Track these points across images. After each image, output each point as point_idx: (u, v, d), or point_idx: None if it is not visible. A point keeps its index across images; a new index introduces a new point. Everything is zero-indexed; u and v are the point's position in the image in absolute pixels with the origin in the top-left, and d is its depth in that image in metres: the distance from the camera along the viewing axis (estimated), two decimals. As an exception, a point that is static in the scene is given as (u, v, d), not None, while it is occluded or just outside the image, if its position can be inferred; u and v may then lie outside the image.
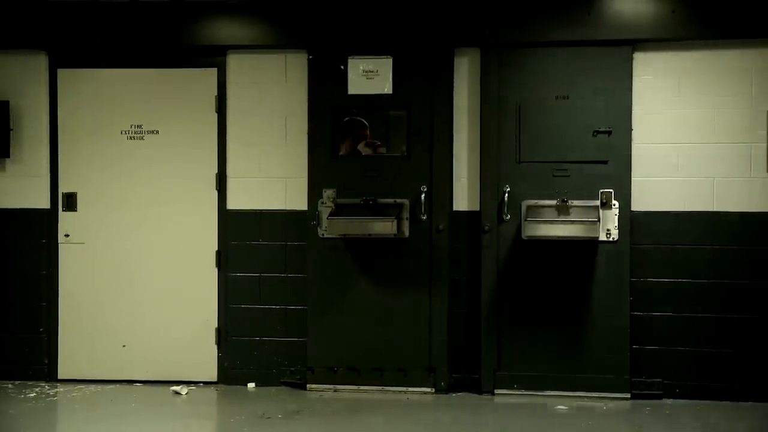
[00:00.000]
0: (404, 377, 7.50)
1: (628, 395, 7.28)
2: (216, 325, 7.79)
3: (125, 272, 7.82)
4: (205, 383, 7.77)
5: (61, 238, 7.87)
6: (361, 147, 7.60)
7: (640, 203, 7.32)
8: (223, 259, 7.77)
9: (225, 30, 7.65)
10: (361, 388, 7.53)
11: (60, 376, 7.87)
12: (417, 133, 7.48)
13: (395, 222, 7.35)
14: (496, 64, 7.39)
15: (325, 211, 7.52)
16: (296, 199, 7.66)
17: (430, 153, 7.46)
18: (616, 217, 7.27)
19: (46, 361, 7.88)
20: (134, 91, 7.81)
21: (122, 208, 7.81)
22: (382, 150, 7.62)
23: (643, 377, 7.32)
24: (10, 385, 7.72)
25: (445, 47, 7.47)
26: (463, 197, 7.54)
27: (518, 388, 7.40)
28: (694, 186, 7.30)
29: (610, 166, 7.28)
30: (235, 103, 7.73)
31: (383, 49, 7.50)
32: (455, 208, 7.52)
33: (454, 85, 7.50)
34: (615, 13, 7.26)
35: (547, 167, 7.35)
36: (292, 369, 7.68)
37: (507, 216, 7.37)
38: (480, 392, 7.45)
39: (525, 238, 7.32)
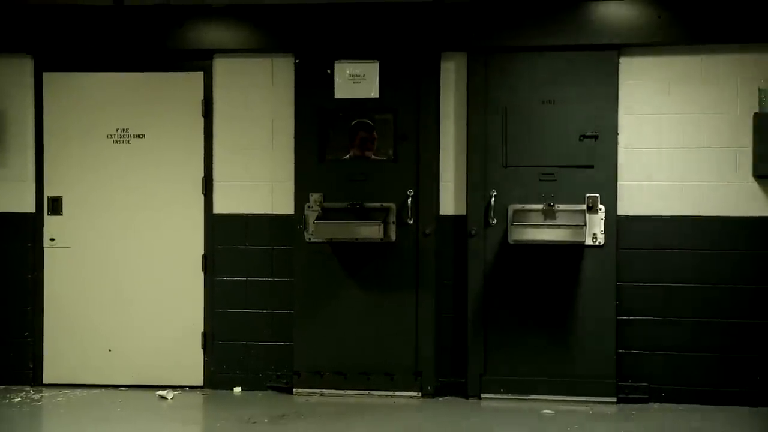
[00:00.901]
0: (391, 381, 7.50)
1: (614, 399, 7.29)
2: (202, 330, 7.77)
3: (111, 276, 7.79)
4: (191, 388, 7.75)
5: (46, 242, 7.84)
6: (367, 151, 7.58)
7: (626, 208, 7.34)
8: (209, 263, 7.75)
9: (211, 34, 7.64)
10: (348, 392, 7.52)
11: (45, 380, 7.84)
12: (404, 137, 7.49)
13: (382, 226, 7.35)
14: (483, 69, 7.40)
15: (311, 215, 7.51)
16: (283, 203, 7.65)
17: (416, 157, 7.47)
18: (602, 221, 7.29)
19: (31, 366, 7.84)
20: (120, 95, 7.79)
21: (108, 212, 7.79)
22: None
23: (629, 381, 7.33)
24: (-6, 390, 7.71)
25: (432, 52, 7.48)
26: (450, 201, 7.54)
27: (505, 393, 7.40)
28: (680, 190, 7.32)
29: (597, 170, 7.29)
30: (221, 107, 7.72)
31: (370, 53, 7.50)
32: (442, 212, 7.53)
33: (441, 89, 7.51)
34: (601, 18, 7.28)
35: (534, 171, 7.37)
36: (279, 373, 7.67)
37: (493, 220, 7.38)
38: (466, 396, 7.45)
39: (511, 243, 7.32)
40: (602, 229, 7.29)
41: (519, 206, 7.36)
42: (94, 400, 7.45)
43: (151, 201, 7.77)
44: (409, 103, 7.46)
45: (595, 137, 7.29)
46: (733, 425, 6.80)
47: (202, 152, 7.74)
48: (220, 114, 7.72)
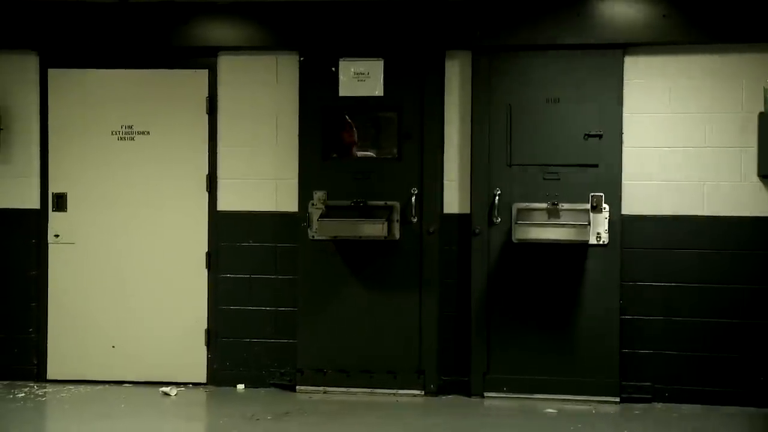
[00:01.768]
0: (394, 379, 7.50)
1: (618, 399, 7.28)
2: (206, 326, 7.78)
3: (115, 273, 7.81)
4: (195, 384, 7.76)
5: (50, 238, 7.86)
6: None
7: (630, 207, 7.32)
8: (213, 260, 7.76)
9: (216, 31, 7.64)
10: (351, 390, 7.53)
11: (49, 376, 7.86)
12: (408, 135, 7.48)
13: (386, 224, 7.35)
14: (487, 67, 7.39)
15: (315, 212, 7.51)
16: (287, 201, 7.65)
17: (420, 155, 7.46)
18: (606, 220, 7.28)
19: (35, 362, 7.86)
20: (125, 92, 7.80)
21: (112, 208, 7.80)
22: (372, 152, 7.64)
23: (633, 381, 7.32)
24: (-2, 386, 7.73)
25: (436, 50, 7.47)
26: (454, 200, 7.54)
27: (508, 392, 7.40)
28: (684, 190, 7.31)
29: (601, 169, 7.28)
30: (226, 105, 7.72)
31: (374, 51, 7.49)
32: (446, 210, 7.52)
33: (445, 87, 7.50)
34: (606, 17, 7.27)
35: (538, 170, 7.36)
36: (282, 371, 7.68)
37: (497, 219, 7.38)
38: (469, 395, 7.45)
39: (515, 241, 7.32)
40: (606, 228, 7.28)
41: (523, 205, 7.35)
42: (97, 396, 7.47)
43: (155, 198, 7.78)
44: (413, 101, 7.46)
45: (600, 136, 7.28)
46: (737, 426, 6.79)
47: (207, 149, 7.75)
48: (225, 111, 7.73)
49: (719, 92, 7.28)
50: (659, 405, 7.26)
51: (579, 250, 7.29)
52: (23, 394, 7.48)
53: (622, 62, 7.30)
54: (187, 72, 7.76)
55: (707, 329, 7.27)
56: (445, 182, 7.52)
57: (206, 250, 7.77)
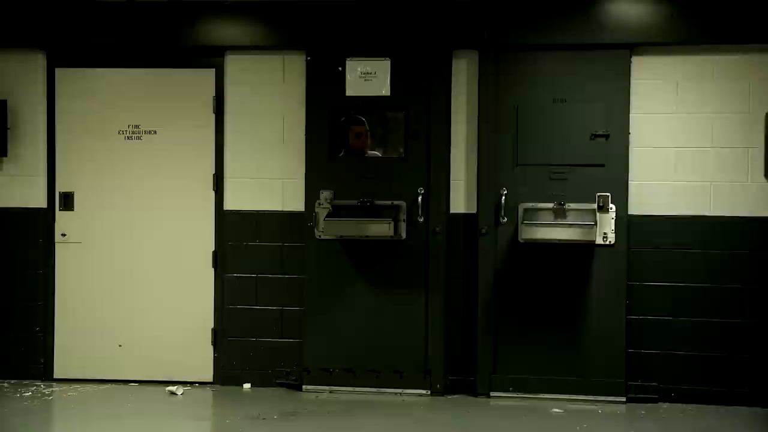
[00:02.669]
0: (400, 379, 7.50)
1: (624, 399, 7.28)
2: (212, 326, 7.79)
3: (122, 272, 7.82)
4: (201, 383, 7.77)
5: (57, 237, 7.87)
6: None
7: (637, 207, 7.32)
8: (219, 260, 7.77)
9: (223, 31, 7.65)
10: (357, 389, 7.53)
11: (56, 375, 7.87)
12: (414, 135, 7.48)
13: (392, 224, 7.35)
14: (494, 67, 7.39)
15: (322, 212, 7.52)
16: (293, 200, 7.66)
17: (427, 155, 7.47)
18: (613, 220, 7.27)
19: (42, 361, 7.87)
20: (132, 92, 7.81)
21: (119, 208, 7.81)
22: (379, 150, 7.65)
23: (639, 381, 7.32)
24: (5, 384, 7.72)
25: (443, 49, 7.48)
26: (461, 200, 7.54)
27: (514, 391, 7.40)
28: (691, 190, 7.31)
29: (608, 169, 7.28)
30: (232, 104, 7.73)
31: (381, 50, 7.50)
32: (452, 210, 7.52)
33: (452, 87, 7.50)
34: (613, 16, 7.27)
35: (545, 170, 7.36)
36: (288, 370, 7.68)
37: (504, 219, 7.37)
38: (476, 395, 7.45)
39: (522, 241, 7.32)
40: (613, 228, 7.27)
41: (530, 205, 7.35)
42: (104, 395, 7.48)
43: (162, 197, 7.79)
44: (420, 101, 7.46)
45: (607, 136, 7.28)
46: (743, 426, 6.79)
47: (213, 149, 7.76)
48: (232, 111, 7.73)
49: (726, 92, 7.27)
50: (666, 405, 7.26)
51: (585, 250, 7.29)
52: (30, 393, 7.49)
53: (629, 62, 7.29)
54: (194, 71, 7.77)
55: (714, 329, 7.26)
56: (451, 182, 7.52)
57: (213, 249, 7.78)
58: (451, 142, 7.52)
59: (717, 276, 7.27)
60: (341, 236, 7.49)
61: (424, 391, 7.48)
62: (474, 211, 7.47)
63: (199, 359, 7.78)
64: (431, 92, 7.45)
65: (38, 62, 7.85)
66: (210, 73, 7.75)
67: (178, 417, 6.97)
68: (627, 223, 7.28)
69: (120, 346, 7.83)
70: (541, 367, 7.36)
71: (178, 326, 7.78)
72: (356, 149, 7.59)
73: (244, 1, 7.59)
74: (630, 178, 7.30)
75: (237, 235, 7.72)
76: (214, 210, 7.76)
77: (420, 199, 7.40)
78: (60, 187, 7.87)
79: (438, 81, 7.45)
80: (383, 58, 7.51)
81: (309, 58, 7.59)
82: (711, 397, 7.25)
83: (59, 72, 7.85)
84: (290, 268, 7.67)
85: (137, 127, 7.82)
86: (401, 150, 7.55)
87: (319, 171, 7.56)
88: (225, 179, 7.74)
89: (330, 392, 7.54)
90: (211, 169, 7.76)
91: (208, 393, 7.62)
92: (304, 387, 7.60)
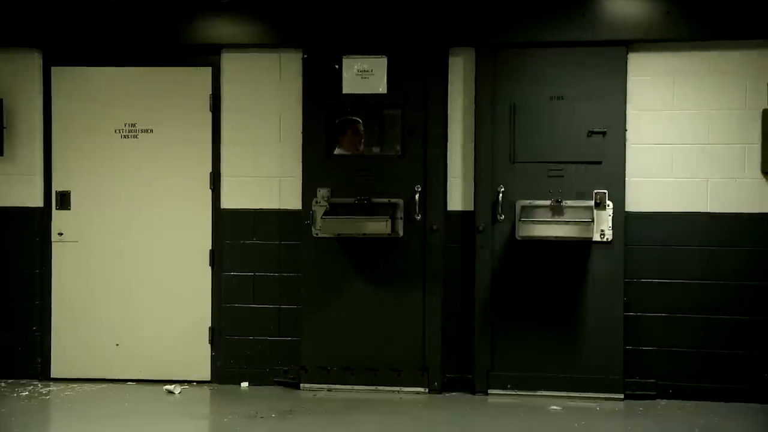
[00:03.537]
0: (398, 377, 7.50)
1: (622, 396, 7.29)
2: (209, 324, 7.78)
3: (119, 271, 7.81)
4: (199, 382, 7.76)
5: (54, 236, 7.86)
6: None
7: (634, 204, 7.33)
8: (216, 258, 7.76)
9: (219, 29, 7.64)
10: (355, 387, 7.53)
11: (53, 374, 7.86)
12: (411, 132, 7.48)
13: (389, 222, 7.34)
14: (491, 64, 7.39)
15: (319, 210, 7.51)
16: (290, 199, 7.65)
17: (424, 153, 7.46)
18: (610, 217, 7.28)
19: (39, 360, 7.86)
20: (128, 90, 7.80)
21: (116, 206, 7.80)
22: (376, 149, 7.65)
23: (637, 378, 7.33)
24: (2, 384, 7.71)
25: (440, 47, 7.47)
26: (458, 197, 7.53)
27: (512, 389, 7.40)
28: (688, 187, 7.31)
29: (605, 166, 7.28)
30: (229, 102, 7.72)
31: (378, 48, 7.49)
32: (449, 207, 7.52)
33: (449, 84, 7.50)
34: (609, 13, 7.27)
35: (542, 167, 7.35)
36: (286, 368, 7.68)
37: (501, 216, 7.37)
38: (473, 392, 7.45)
39: (519, 239, 7.32)
40: (610, 225, 7.28)
41: (527, 202, 7.35)
42: (101, 395, 7.47)
43: (158, 196, 7.78)
44: (417, 98, 7.45)
45: (604, 133, 7.28)
46: (741, 422, 6.80)
47: (210, 147, 7.75)
48: (228, 109, 7.73)
49: (723, 89, 7.28)
50: (663, 402, 7.26)
51: (583, 247, 7.29)
52: (27, 393, 7.48)
53: (626, 59, 7.30)
54: (191, 69, 7.76)
55: (711, 326, 7.27)
56: (448, 179, 7.51)
57: (210, 248, 7.78)
58: (448, 140, 7.51)
59: (714, 272, 7.28)
60: (338, 234, 7.48)
61: (421, 389, 7.48)
62: (471, 208, 7.47)
63: (196, 358, 7.77)
64: (428, 90, 7.45)
65: (34, 61, 7.84)
66: (206, 72, 7.74)
67: (176, 416, 6.97)
68: (624, 220, 7.29)
69: (117, 345, 7.82)
70: (539, 364, 7.36)
71: (175, 325, 7.78)
72: (352, 149, 7.59)
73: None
74: (627, 175, 7.30)
75: (234, 234, 7.72)
76: (211, 208, 7.76)
77: (417, 196, 7.40)
78: (56, 186, 7.86)
79: (435, 78, 7.45)
80: (380, 56, 7.50)
81: (306, 56, 7.58)
82: (709, 394, 7.26)
83: (55, 71, 7.84)
84: (287, 266, 7.67)
85: (134, 125, 7.81)
86: (398, 148, 7.55)
87: (316, 169, 7.55)
88: (222, 177, 7.73)
89: (328, 390, 7.54)
90: (208, 168, 7.76)
91: (205, 392, 7.61)
92: (301, 385, 7.59)
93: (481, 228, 7.42)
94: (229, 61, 7.72)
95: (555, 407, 7.09)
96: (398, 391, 7.49)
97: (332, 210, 7.45)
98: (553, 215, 7.28)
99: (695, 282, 7.29)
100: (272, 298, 7.70)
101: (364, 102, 7.54)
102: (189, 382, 7.75)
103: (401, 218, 7.45)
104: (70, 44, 7.78)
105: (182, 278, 7.78)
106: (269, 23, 7.60)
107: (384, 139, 7.66)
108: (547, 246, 7.31)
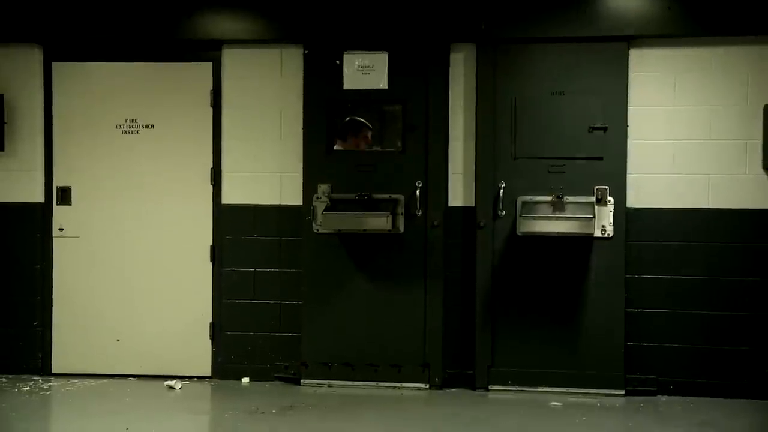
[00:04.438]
0: (398, 373, 7.50)
1: (623, 392, 7.28)
2: (210, 320, 7.78)
3: (119, 266, 7.81)
4: (199, 378, 7.77)
5: (55, 232, 7.86)
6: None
7: (635, 200, 7.32)
8: (217, 254, 7.76)
9: (220, 24, 7.64)
10: (355, 383, 7.53)
11: (54, 370, 7.86)
12: (412, 128, 7.47)
13: (390, 217, 7.34)
14: (492, 60, 7.38)
15: (320, 206, 7.51)
16: (291, 194, 7.65)
17: (425, 148, 7.46)
18: (611, 213, 7.27)
19: (40, 355, 7.87)
20: (129, 85, 7.80)
21: (117, 202, 7.80)
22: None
23: (638, 374, 7.32)
24: (3, 379, 7.71)
25: (441, 42, 7.47)
26: (459, 193, 7.53)
27: (512, 385, 7.40)
28: (689, 183, 7.30)
29: (606, 162, 7.28)
30: (230, 98, 7.72)
31: (379, 44, 7.49)
32: (450, 203, 7.52)
33: (450, 80, 7.49)
34: (610, 9, 7.26)
35: (543, 163, 7.35)
36: (286, 364, 7.68)
37: (502, 212, 7.37)
38: (474, 388, 7.45)
39: (520, 234, 7.31)
40: (611, 221, 7.27)
41: (528, 198, 7.34)
42: (102, 390, 7.47)
43: (159, 191, 7.78)
44: (417, 94, 7.45)
45: (605, 129, 7.27)
46: (742, 418, 6.79)
47: (211, 143, 7.75)
48: (229, 105, 7.72)
49: (724, 85, 7.27)
50: (664, 398, 7.26)
51: (584, 243, 7.28)
52: (28, 388, 7.48)
53: (627, 55, 7.29)
54: (192, 65, 7.76)
55: (712, 322, 7.27)
56: (449, 175, 7.51)
57: (211, 243, 7.77)
58: (449, 136, 7.51)
59: (715, 268, 7.27)
60: (339, 230, 7.48)
61: (422, 385, 7.48)
62: (472, 204, 7.47)
63: (197, 353, 7.78)
64: (429, 85, 7.44)
65: (35, 56, 7.84)
66: (207, 67, 7.74)
67: (177, 411, 6.97)
68: (625, 216, 7.28)
69: (118, 340, 7.82)
70: (540, 360, 7.36)
71: (176, 321, 7.78)
72: (354, 146, 7.61)
73: (241, -5, 7.60)
74: (628, 171, 7.30)
75: (235, 229, 7.72)
76: (211, 204, 7.76)
77: (418, 192, 7.40)
78: (57, 181, 7.86)
79: (436, 74, 7.45)
80: (381, 52, 7.50)
81: (306, 52, 7.58)
82: (709, 390, 7.26)
83: (56, 66, 7.84)
84: (288, 262, 7.67)
85: (134, 121, 7.81)
86: (399, 143, 7.54)
87: (316, 165, 7.55)
88: (222, 173, 7.73)
89: (328, 386, 7.54)
90: (209, 163, 7.75)
91: (206, 387, 7.62)
92: (302, 381, 7.60)
93: (482, 224, 7.41)
94: (230, 57, 7.71)
95: (556, 403, 7.09)
96: (399, 387, 7.49)
97: (333, 206, 7.45)
98: (554, 211, 7.27)
99: (696, 278, 7.29)
100: (273, 294, 7.70)
101: (365, 98, 7.54)
102: (190, 377, 7.75)
103: (402, 214, 7.45)
104: (71, 40, 7.77)
105: (183, 274, 7.78)
106: (270, 18, 7.59)
107: (385, 135, 7.66)
108: (548, 242, 7.31)
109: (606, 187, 7.27)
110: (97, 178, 7.82)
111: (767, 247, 7.22)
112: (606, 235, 7.28)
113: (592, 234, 7.20)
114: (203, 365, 7.79)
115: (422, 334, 7.49)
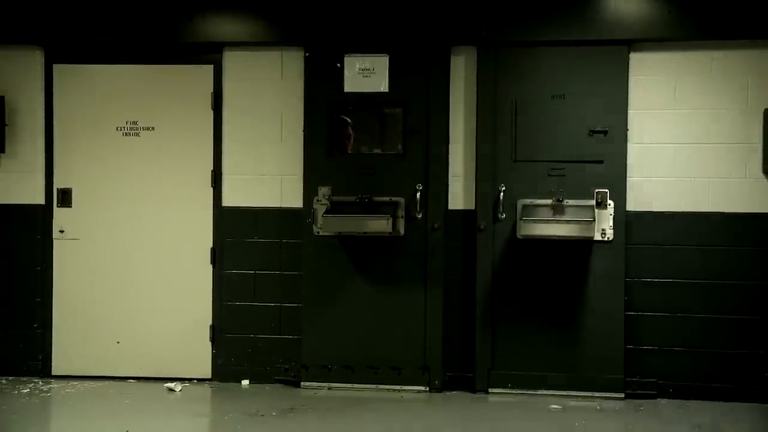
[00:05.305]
0: (398, 375, 7.50)
1: (622, 395, 7.29)
2: (210, 322, 7.79)
3: (120, 268, 7.81)
4: (199, 380, 7.76)
5: (55, 233, 7.86)
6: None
7: (635, 203, 7.33)
8: (218, 256, 7.76)
9: (221, 27, 7.64)
10: (355, 386, 7.53)
11: (54, 372, 7.86)
12: (413, 131, 7.48)
13: (390, 220, 7.34)
14: (493, 63, 7.39)
15: (320, 208, 7.51)
16: (292, 197, 7.66)
17: (426, 151, 7.47)
18: (611, 216, 7.28)
19: (40, 357, 7.87)
20: (130, 88, 7.80)
21: (117, 204, 7.81)
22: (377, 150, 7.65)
23: (638, 377, 7.33)
24: (3, 381, 7.71)
25: (442, 46, 7.47)
26: (459, 196, 7.53)
27: (512, 387, 7.40)
28: (689, 186, 7.31)
29: (606, 165, 7.28)
30: (230, 100, 7.73)
31: (380, 47, 7.49)
32: (451, 206, 7.52)
33: (451, 83, 7.50)
34: (611, 12, 7.26)
35: (543, 166, 7.35)
36: (286, 367, 7.68)
37: (502, 215, 7.37)
38: (474, 391, 7.45)
39: (520, 237, 7.31)
40: (611, 224, 7.28)
41: (528, 201, 7.35)
42: (102, 392, 7.47)
43: (160, 194, 7.78)
44: (418, 97, 7.45)
45: (605, 132, 7.28)
46: (741, 422, 6.79)
47: (211, 145, 7.75)
48: (230, 107, 7.73)
49: (724, 89, 7.27)
50: (664, 401, 7.26)
51: (584, 246, 7.29)
52: (28, 390, 7.48)
53: (628, 58, 7.30)
54: (192, 67, 7.76)
55: (712, 325, 7.27)
56: (450, 178, 7.51)
57: (211, 245, 7.78)
58: (449, 138, 7.51)
59: (715, 272, 7.28)
60: (339, 233, 7.48)
61: (422, 388, 7.48)
62: (472, 207, 7.47)
63: (197, 356, 7.78)
64: (429, 88, 7.45)
65: (36, 58, 7.84)
66: (208, 70, 7.74)
67: (177, 413, 6.97)
68: (625, 219, 7.29)
69: (118, 342, 7.82)
70: (540, 363, 7.36)
71: (176, 323, 7.78)
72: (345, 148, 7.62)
73: (242, -3, 7.61)
74: (628, 174, 7.30)
75: (235, 232, 7.72)
76: (212, 206, 7.76)
77: (418, 195, 7.40)
78: (58, 183, 7.86)
79: (436, 77, 7.45)
80: (382, 55, 7.50)
81: (307, 54, 7.58)
82: (709, 393, 7.26)
83: (57, 68, 7.84)
84: (288, 264, 7.67)
85: (135, 123, 7.81)
86: (399, 146, 7.55)
87: (317, 167, 7.55)
88: (223, 176, 7.74)
89: (328, 389, 7.54)
90: (209, 166, 7.76)
91: (206, 389, 7.62)
92: (302, 384, 7.60)
93: (482, 227, 7.42)
94: (231, 59, 7.72)
95: (555, 406, 7.09)
96: (399, 390, 7.49)
97: (333, 208, 7.45)
98: (554, 214, 7.28)
99: (696, 281, 7.29)
100: (273, 296, 7.71)
101: (365, 100, 7.54)
102: (190, 379, 7.75)
103: (402, 217, 7.45)
104: (72, 42, 7.78)
105: (183, 276, 7.78)
106: (271, 21, 7.60)
107: (385, 138, 7.66)
108: (548, 245, 7.31)
109: (606, 190, 7.27)
110: (97, 180, 7.82)
111: (767, 251, 7.22)
112: (606, 239, 7.29)
113: (592, 237, 7.21)
114: (203, 367, 7.79)
115: (422, 337, 7.49)
